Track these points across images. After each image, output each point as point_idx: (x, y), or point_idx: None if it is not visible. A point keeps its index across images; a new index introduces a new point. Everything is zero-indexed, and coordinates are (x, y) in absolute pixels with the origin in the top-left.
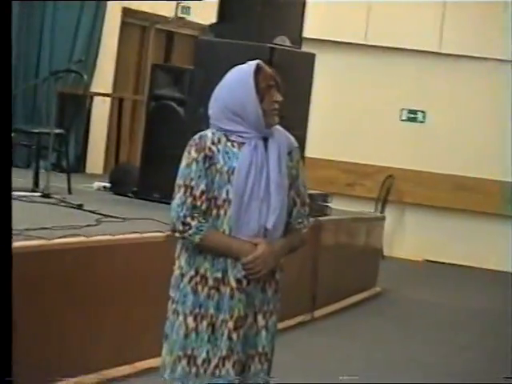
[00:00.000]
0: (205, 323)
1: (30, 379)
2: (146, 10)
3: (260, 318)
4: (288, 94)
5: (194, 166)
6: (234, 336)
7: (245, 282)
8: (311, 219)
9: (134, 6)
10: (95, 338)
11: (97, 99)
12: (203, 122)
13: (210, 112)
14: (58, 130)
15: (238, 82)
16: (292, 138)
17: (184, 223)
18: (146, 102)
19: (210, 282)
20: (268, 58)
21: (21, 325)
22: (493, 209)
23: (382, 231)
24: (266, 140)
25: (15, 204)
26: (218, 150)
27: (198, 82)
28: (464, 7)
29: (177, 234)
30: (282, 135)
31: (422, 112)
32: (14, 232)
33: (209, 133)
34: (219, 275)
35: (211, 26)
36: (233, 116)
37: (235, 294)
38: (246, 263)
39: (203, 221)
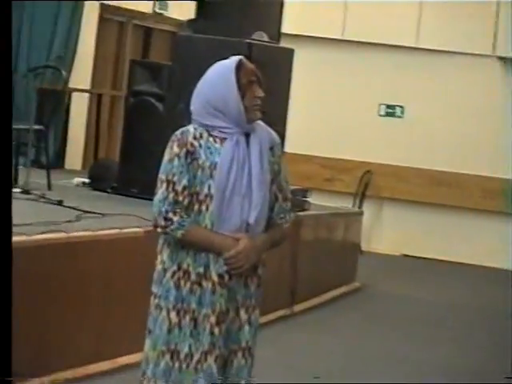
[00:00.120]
0: (187, 318)
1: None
2: (124, 6)
3: (242, 312)
4: (267, 90)
5: (176, 162)
6: (216, 331)
7: (227, 277)
8: (292, 214)
9: (112, 2)
10: (75, 334)
11: (75, 95)
12: (182, 118)
13: (192, 108)
14: (37, 126)
15: (219, 77)
16: (274, 134)
17: (166, 218)
18: (125, 97)
19: (193, 277)
20: (246, 53)
21: None
22: (470, 203)
23: (360, 226)
24: (247, 135)
25: None
26: (200, 146)
27: (176, 78)
28: (441, 2)
29: (159, 229)
30: (263, 130)
31: (401, 107)
32: None
33: (191, 128)
34: (201, 270)
35: (189, 21)
36: (214, 111)
37: (217, 289)
38: (228, 258)
39: (185, 216)
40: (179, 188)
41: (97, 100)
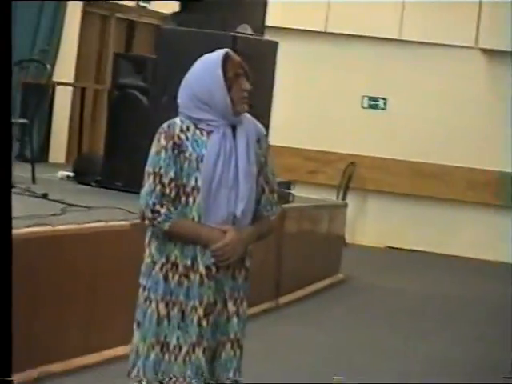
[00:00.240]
0: (176, 310)
1: None
2: (107, 0)
3: (230, 304)
4: (252, 83)
5: (163, 154)
6: (204, 323)
7: (214, 269)
8: (279, 206)
9: None
10: (62, 327)
11: (59, 89)
12: (167, 111)
13: (179, 100)
14: (21, 120)
15: (205, 70)
16: (260, 126)
17: (153, 211)
18: (109, 91)
19: (181, 269)
20: (231, 46)
21: None
22: (454, 195)
23: (344, 218)
24: (234, 128)
25: None
26: (187, 138)
27: (160, 71)
28: None
29: (146, 222)
30: (250, 123)
31: (384, 99)
32: None
33: (178, 121)
34: (189, 262)
35: (173, 14)
36: (201, 104)
37: (204, 281)
38: (215, 250)
39: (172, 208)
40: (166, 180)
41: (80, 93)
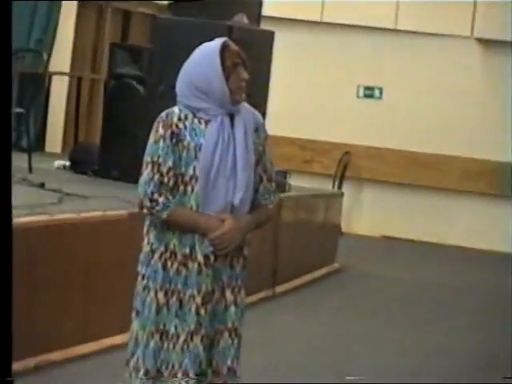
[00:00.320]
0: (174, 298)
1: None
2: None
3: (228, 293)
4: (249, 72)
5: (161, 143)
6: (202, 311)
7: (212, 258)
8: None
9: None
10: (60, 316)
11: (55, 78)
12: (163, 100)
13: (177, 89)
14: (18, 110)
15: (203, 59)
16: (258, 115)
17: (151, 200)
18: (106, 80)
19: (179, 258)
20: (227, 36)
21: None
22: (449, 184)
23: (340, 207)
24: (232, 117)
25: None
26: (185, 127)
27: (157, 61)
28: None
29: (144, 211)
30: (248, 112)
31: (379, 88)
32: None
33: (176, 109)
34: (187, 251)
35: (170, 4)
36: (199, 93)
37: (203, 270)
38: (213, 239)
39: (170, 197)
40: (164, 169)
41: (76, 83)
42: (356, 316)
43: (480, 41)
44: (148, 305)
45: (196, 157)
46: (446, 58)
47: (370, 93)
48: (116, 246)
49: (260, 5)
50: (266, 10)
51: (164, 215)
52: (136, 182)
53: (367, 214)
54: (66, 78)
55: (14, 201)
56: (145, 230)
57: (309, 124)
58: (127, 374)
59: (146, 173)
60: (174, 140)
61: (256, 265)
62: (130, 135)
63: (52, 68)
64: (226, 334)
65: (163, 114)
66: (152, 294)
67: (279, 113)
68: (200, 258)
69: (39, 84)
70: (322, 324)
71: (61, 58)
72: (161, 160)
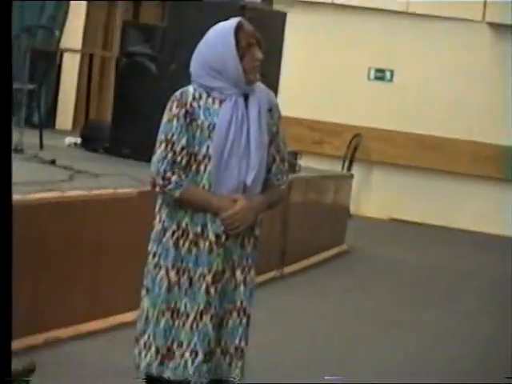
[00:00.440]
0: (185, 277)
1: None
2: None
3: (238, 273)
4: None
5: (175, 122)
6: (212, 290)
7: (223, 237)
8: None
9: None
10: (69, 292)
11: (66, 55)
12: (175, 79)
13: (192, 69)
14: (29, 86)
15: (218, 38)
16: (273, 95)
17: (164, 178)
18: (117, 58)
19: (191, 236)
20: (239, 15)
21: None
22: (458, 168)
23: (350, 189)
24: (246, 97)
25: None
26: (199, 106)
27: (169, 39)
28: None
29: (157, 189)
30: (262, 92)
31: (390, 71)
32: None
33: (190, 88)
34: (199, 230)
35: None
36: (213, 72)
37: (214, 249)
38: (225, 218)
39: (183, 176)
40: (178, 148)
41: (88, 60)
42: (363, 296)
43: (491, 25)
44: (158, 283)
45: (209, 136)
46: (457, 42)
47: (380, 75)
48: (126, 224)
49: None
50: None
51: (176, 193)
52: (147, 160)
53: (376, 196)
54: (78, 55)
55: (26, 177)
56: (157, 208)
57: (319, 105)
58: (136, 351)
59: (159, 151)
60: (188, 119)
61: (265, 245)
62: (142, 113)
63: (64, 45)
64: (235, 314)
65: (177, 93)
66: (163, 271)
67: (290, 94)
68: (211, 236)
69: (51, 61)
70: (330, 304)
71: (73, 35)
72: (174, 138)
